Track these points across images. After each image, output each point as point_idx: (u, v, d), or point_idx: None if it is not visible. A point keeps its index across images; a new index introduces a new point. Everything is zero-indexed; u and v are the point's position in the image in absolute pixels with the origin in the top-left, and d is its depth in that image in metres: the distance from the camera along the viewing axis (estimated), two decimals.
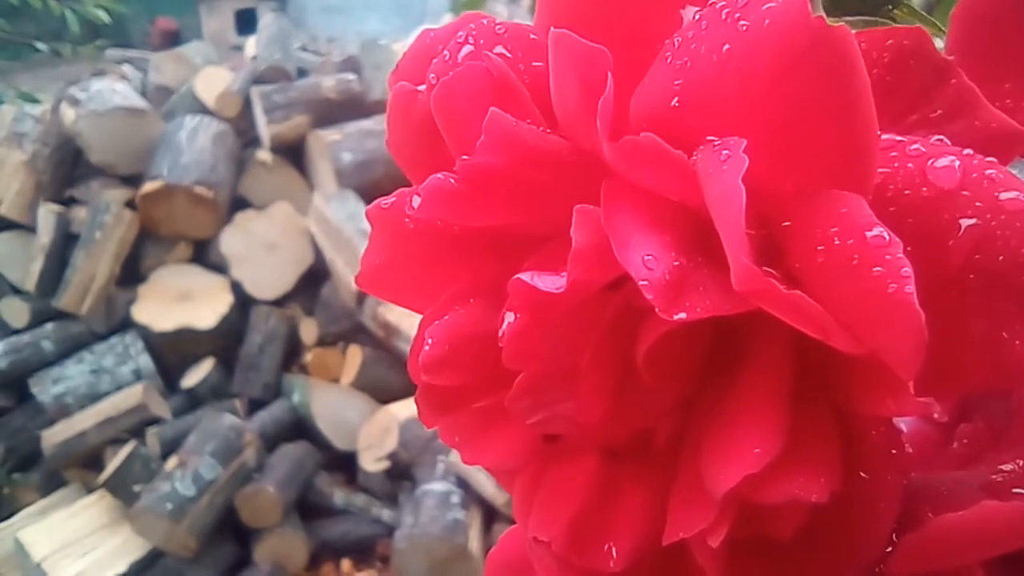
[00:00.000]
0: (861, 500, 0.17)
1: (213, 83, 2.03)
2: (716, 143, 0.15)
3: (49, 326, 1.86)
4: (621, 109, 0.17)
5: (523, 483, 0.21)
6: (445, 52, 0.19)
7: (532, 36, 0.19)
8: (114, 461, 1.69)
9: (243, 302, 1.92)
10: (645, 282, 0.14)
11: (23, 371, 1.81)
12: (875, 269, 0.14)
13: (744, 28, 0.15)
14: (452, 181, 0.17)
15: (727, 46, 0.15)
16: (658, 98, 0.17)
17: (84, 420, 1.76)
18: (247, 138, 2.02)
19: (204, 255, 1.97)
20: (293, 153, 2.00)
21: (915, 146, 0.16)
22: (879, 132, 0.16)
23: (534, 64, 0.18)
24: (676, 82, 0.16)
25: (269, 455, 1.76)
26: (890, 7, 0.24)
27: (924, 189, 0.16)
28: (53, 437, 1.75)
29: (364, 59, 2.16)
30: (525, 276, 0.15)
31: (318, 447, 1.81)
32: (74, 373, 1.82)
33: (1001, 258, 0.15)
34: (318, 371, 1.90)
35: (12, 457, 1.80)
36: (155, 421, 1.79)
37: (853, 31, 0.19)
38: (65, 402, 1.79)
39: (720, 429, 0.16)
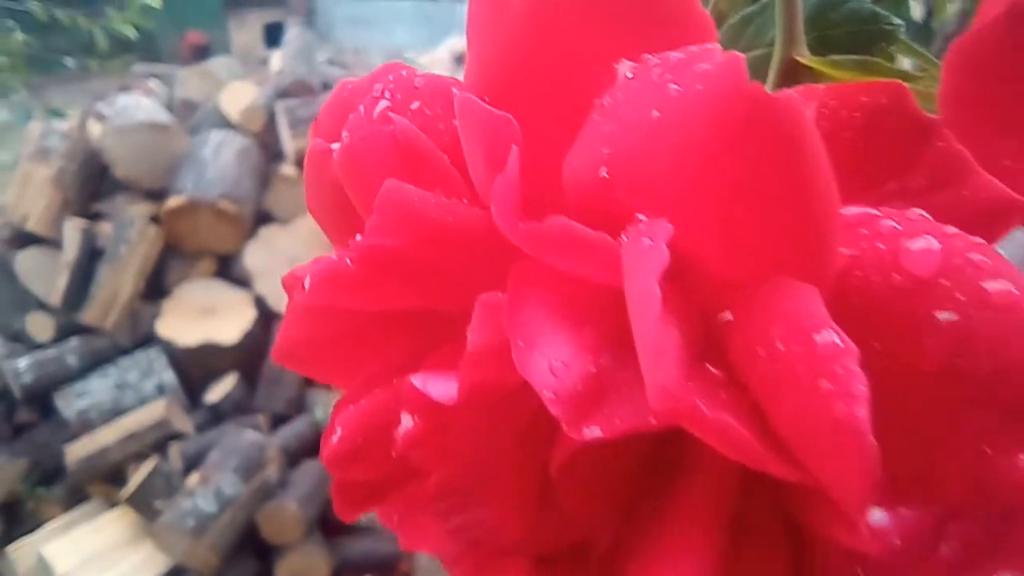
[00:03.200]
0: None
1: (238, 98, 2.03)
2: (643, 225, 0.13)
3: (74, 340, 1.86)
4: (551, 173, 0.15)
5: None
6: (361, 107, 0.17)
7: (454, 91, 0.16)
8: (137, 476, 1.69)
9: (266, 317, 1.92)
10: (550, 395, 0.12)
11: (48, 385, 1.82)
12: (822, 383, 0.12)
13: (676, 93, 0.13)
14: (347, 262, 0.15)
15: (657, 113, 0.13)
16: (586, 167, 0.14)
17: (107, 435, 1.77)
18: (272, 153, 2.02)
19: (228, 270, 1.97)
20: None
21: (888, 222, 0.14)
22: (842, 208, 0.14)
23: (454, 122, 0.16)
24: (605, 150, 0.14)
25: (291, 471, 1.76)
26: (885, 44, 0.21)
27: (896, 276, 0.13)
28: (77, 452, 1.75)
29: None
30: (417, 380, 0.13)
31: None
32: (98, 388, 1.82)
33: (984, 362, 0.13)
34: None
35: (36, 471, 1.81)
36: (178, 436, 1.78)
37: (836, 76, 0.17)
38: (89, 417, 1.80)
39: (650, 548, 0.14)
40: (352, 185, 0.16)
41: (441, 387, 0.13)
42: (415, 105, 0.16)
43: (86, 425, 1.79)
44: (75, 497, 1.80)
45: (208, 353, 1.86)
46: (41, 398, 1.84)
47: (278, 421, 1.87)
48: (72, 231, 1.89)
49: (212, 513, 1.60)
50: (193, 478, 1.66)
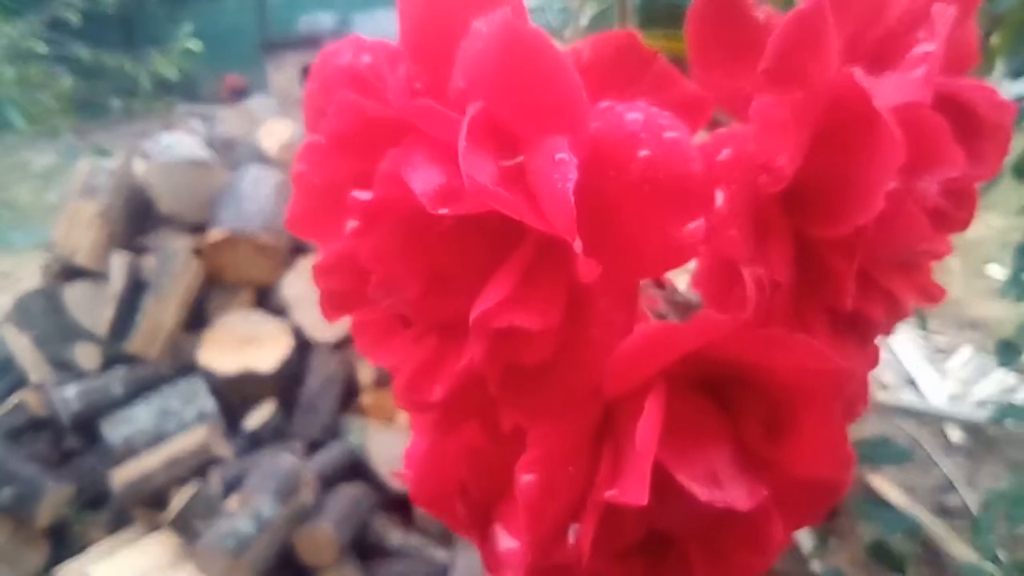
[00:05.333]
0: (589, 343, 0.26)
1: (276, 134, 2.20)
2: (470, 106, 0.25)
3: (119, 369, 2.02)
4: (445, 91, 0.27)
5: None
6: (333, 59, 0.30)
7: (390, 47, 0.29)
8: (178, 500, 1.82)
9: (303, 345, 2.06)
10: (420, 192, 0.24)
11: (94, 413, 1.97)
12: (554, 176, 0.24)
13: (485, 32, 0.25)
14: (320, 140, 0.27)
15: (479, 44, 0.25)
16: (455, 81, 0.27)
17: (151, 460, 1.90)
18: None
19: (267, 300, 2.11)
20: None
21: (620, 107, 0.26)
22: (599, 103, 0.26)
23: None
24: (461, 70, 0.26)
25: (326, 495, 1.88)
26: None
27: (619, 133, 0.26)
28: (121, 477, 1.89)
29: None
30: (355, 193, 0.26)
31: (375, 487, 1.92)
32: (142, 415, 1.96)
33: (661, 173, 0.25)
34: (375, 412, 2.01)
35: (83, 496, 1.95)
36: (218, 461, 1.92)
37: (654, 44, 0.30)
38: (133, 443, 1.94)
39: (486, 289, 0.26)
40: (324, 100, 0.28)
41: (364, 194, 0.25)
42: (365, 57, 0.29)
43: (130, 451, 1.94)
44: (120, 521, 1.94)
45: (247, 381, 2.00)
46: (88, 425, 1.99)
47: (314, 447, 2.00)
48: (118, 264, 2.05)
49: (250, 535, 1.72)
50: (232, 501, 1.79)
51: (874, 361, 0.33)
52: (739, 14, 0.28)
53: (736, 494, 0.25)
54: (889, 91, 0.26)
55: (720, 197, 0.25)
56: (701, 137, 0.28)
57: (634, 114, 0.26)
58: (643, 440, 0.24)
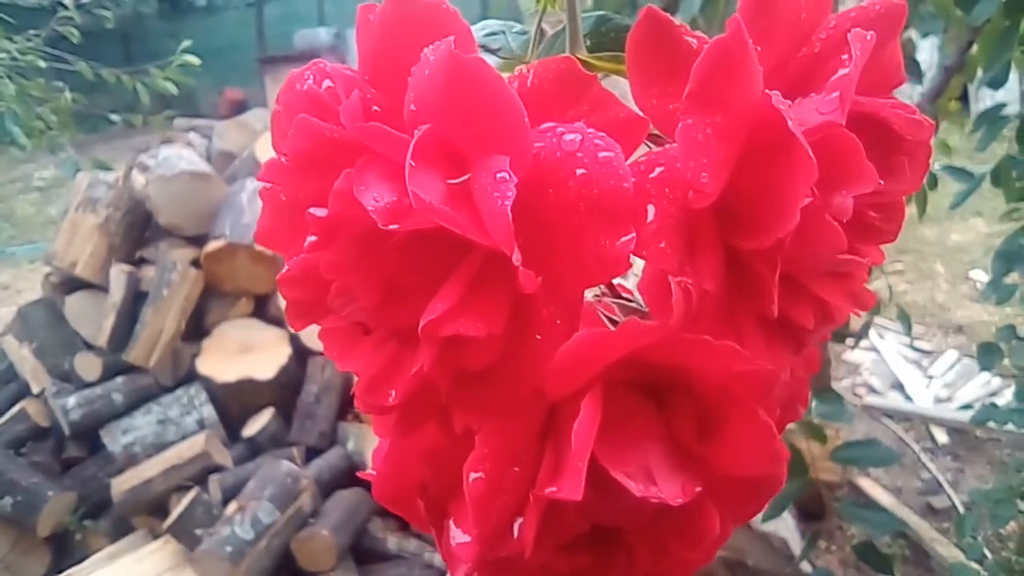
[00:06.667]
0: (533, 349, 0.28)
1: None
2: (417, 129, 0.27)
3: (120, 379, 2.04)
4: (399, 114, 0.29)
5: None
6: (296, 84, 0.31)
7: (348, 73, 0.31)
8: (178, 507, 1.84)
9: (300, 354, 2.07)
10: (371, 208, 0.26)
11: (95, 422, 1.99)
12: (495, 194, 0.25)
13: (432, 60, 0.27)
14: (283, 160, 0.29)
15: (427, 71, 0.27)
16: (407, 104, 0.28)
17: (151, 468, 1.92)
18: None
19: (264, 309, 2.13)
20: None
21: (560, 129, 0.28)
22: (543, 124, 0.28)
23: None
24: (412, 95, 0.28)
25: (324, 501, 1.89)
26: None
27: (558, 153, 0.27)
28: (122, 485, 1.91)
29: None
30: (312, 210, 0.27)
31: (372, 493, 1.93)
32: (142, 423, 1.98)
33: (596, 191, 0.27)
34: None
35: (84, 504, 1.97)
36: (217, 469, 1.93)
37: (601, 67, 0.31)
38: (133, 451, 1.96)
39: (434, 300, 0.27)
40: (287, 123, 0.30)
41: (321, 211, 0.27)
42: (327, 83, 0.31)
43: (131, 459, 1.96)
44: (121, 528, 1.95)
45: (246, 389, 2.02)
46: (88, 434, 2.02)
47: (312, 453, 2.01)
48: (118, 275, 2.07)
49: (249, 541, 1.73)
50: (231, 508, 1.81)
51: (812, 365, 0.35)
52: (673, 40, 0.29)
53: (669, 489, 0.27)
54: (807, 113, 0.27)
55: (651, 212, 0.27)
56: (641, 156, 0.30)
57: (572, 135, 0.27)
58: (579, 438, 0.26)
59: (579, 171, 0.27)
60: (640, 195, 0.27)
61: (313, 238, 0.28)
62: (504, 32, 0.39)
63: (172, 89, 2.27)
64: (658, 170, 0.28)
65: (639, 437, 0.28)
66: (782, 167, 0.26)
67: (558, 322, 0.28)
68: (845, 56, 0.29)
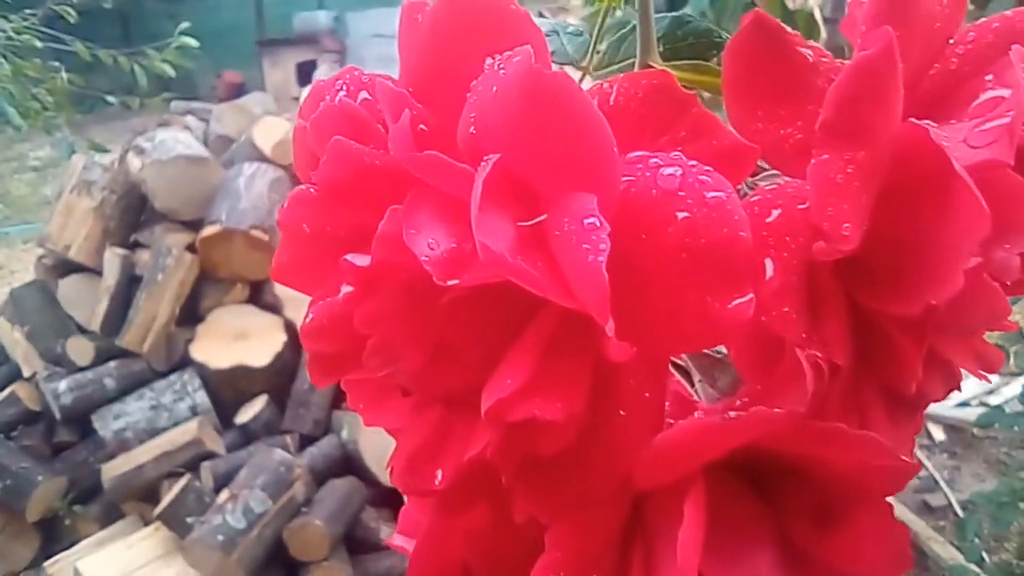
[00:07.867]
0: (617, 428, 0.22)
1: (270, 132, 2.15)
2: (486, 158, 0.21)
3: (112, 364, 1.98)
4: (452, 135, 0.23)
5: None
6: (327, 96, 0.25)
7: (392, 86, 0.25)
8: (169, 494, 1.78)
9: (295, 341, 2.01)
10: (425, 259, 0.20)
11: (87, 407, 1.92)
12: (584, 245, 0.20)
13: (502, 74, 0.21)
14: (310, 190, 0.23)
15: (495, 88, 0.21)
16: (465, 127, 0.23)
17: (142, 454, 1.86)
18: None
19: (259, 296, 2.07)
20: None
21: (654, 159, 0.22)
22: (630, 153, 0.22)
23: None
24: (472, 115, 0.22)
25: (318, 490, 1.84)
26: (715, 52, 0.30)
27: (654, 191, 0.22)
28: (113, 470, 1.85)
29: None
30: (349, 256, 0.21)
31: (366, 482, 1.88)
32: (134, 409, 1.92)
33: (703, 240, 0.21)
34: None
35: (74, 489, 1.91)
36: (209, 456, 1.87)
37: (677, 75, 0.25)
38: (125, 437, 1.90)
39: (499, 370, 0.22)
40: (317, 143, 0.24)
41: (361, 259, 0.21)
42: (363, 95, 0.25)
43: (122, 445, 1.89)
44: (111, 514, 1.90)
45: (240, 376, 1.96)
46: (80, 419, 1.95)
47: (306, 441, 1.95)
48: (112, 259, 2.00)
49: (241, 529, 1.68)
50: (223, 496, 1.75)
51: (918, 428, 0.29)
52: (786, 51, 0.24)
53: None
54: (960, 146, 0.22)
55: (769, 267, 0.21)
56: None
57: (671, 168, 0.22)
58: (685, 552, 0.20)
59: (681, 215, 0.21)
60: (756, 245, 0.21)
61: (349, 288, 0.22)
62: (558, 32, 0.33)
63: (170, 71, 2.20)
64: (775, 213, 0.22)
65: (747, 538, 0.22)
66: (938, 215, 0.21)
67: (646, 395, 0.22)
68: (990, 77, 0.24)
